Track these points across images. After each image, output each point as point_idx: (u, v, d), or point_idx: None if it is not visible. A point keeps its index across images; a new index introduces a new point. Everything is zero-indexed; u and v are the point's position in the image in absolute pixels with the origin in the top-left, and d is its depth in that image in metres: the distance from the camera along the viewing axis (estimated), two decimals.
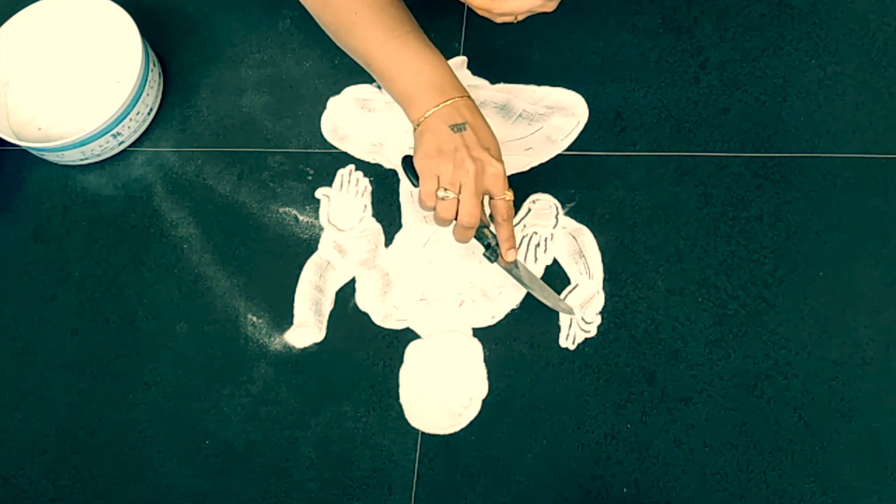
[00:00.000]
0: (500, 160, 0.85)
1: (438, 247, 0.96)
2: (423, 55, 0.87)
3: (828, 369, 0.87)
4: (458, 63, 1.04)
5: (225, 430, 0.94)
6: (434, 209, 0.85)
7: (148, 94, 1.07)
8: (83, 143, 1.04)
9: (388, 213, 0.99)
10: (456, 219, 0.85)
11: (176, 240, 1.03)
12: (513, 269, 0.91)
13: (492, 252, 0.89)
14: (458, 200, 0.84)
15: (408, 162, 0.89)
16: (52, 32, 1.13)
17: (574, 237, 0.94)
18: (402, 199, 1.00)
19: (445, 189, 0.84)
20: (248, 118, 1.08)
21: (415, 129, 0.87)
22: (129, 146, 1.09)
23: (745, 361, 0.88)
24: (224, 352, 0.97)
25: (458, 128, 0.84)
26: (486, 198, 0.86)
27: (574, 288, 0.93)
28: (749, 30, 1.01)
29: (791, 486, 0.84)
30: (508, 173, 0.96)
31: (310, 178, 1.03)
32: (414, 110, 0.86)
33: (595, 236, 0.94)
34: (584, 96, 1.00)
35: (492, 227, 0.89)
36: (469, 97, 0.87)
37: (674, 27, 1.02)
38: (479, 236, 0.89)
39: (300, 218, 1.01)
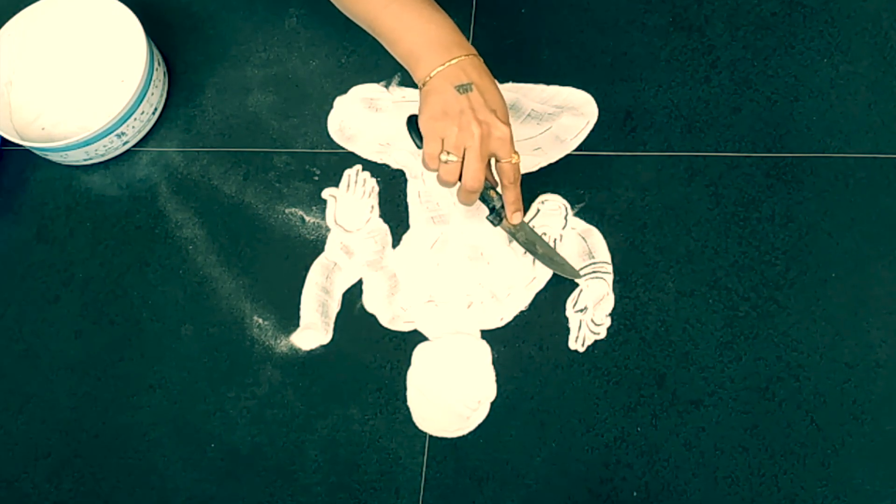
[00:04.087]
0: (507, 122, 0.84)
1: (446, 248, 0.96)
2: (427, 14, 0.86)
3: (840, 372, 0.86)
4: None
5: (230, 434, 0.93)
6: (437, 171, 0.85)
7: (152, 94, 1.06)
8: (87, 143, 1.03)
9: (395, 213, 0.99)
10: (460, 181, 0.85)
11: (181, 241, 1.02)
12: (517, 232, 0.90)
13: (496, 216, 0.89)
14: (463, 164, 0.83)
15: (412, 122, 0.88)
16: (55, 31, 1.13)
17: (584, 238, 0.94)
18: (409, 199, 0.99)
19: (448, 153, 0.83)
20: (253, 118, 1.07)
21: (420, 89, 0.85)
22: (134, 146, 1.09)
23: (756, 364, 0.87)
24: (229, 354, 0.96)
25: (464, 88, 0.82)
26: (493, 160, 0.86)
27: (583, 290, 0.92)
28: (760, 28, 1.00)
29: (803, 490, 0.83)
30: None
31: (316, 178, 1.02)
32: (419, 70, 0.85)
33: (605, 237, 0.94)
34: (593, 95, 1.00)
35: (498, 189, 0.88)
36: (476, 55, 0.85)
37: (684, 26, 1.02)
38: (485, 199, 0.89)
39: (307, 219, 1.00)
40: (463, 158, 0.83)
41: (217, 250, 1.01)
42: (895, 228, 0.90)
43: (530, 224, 0.95)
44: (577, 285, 0.92)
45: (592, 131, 0.99)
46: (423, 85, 0.85)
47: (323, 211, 1.00)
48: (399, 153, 1.01)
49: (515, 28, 1.05)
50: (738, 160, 0.95)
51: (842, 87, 0.96)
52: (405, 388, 0.92)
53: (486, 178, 0.87)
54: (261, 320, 0.97)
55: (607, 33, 1.03)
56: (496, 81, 0.85)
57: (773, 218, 0.92)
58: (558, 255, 0.92)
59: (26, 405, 0.99)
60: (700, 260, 0.92)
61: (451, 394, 0.91)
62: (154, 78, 1.06)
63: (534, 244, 0.92)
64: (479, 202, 0.90)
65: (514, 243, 0.94)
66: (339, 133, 1.04)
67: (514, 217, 0.88)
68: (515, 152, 0.85)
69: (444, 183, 0.85)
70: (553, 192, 0.96)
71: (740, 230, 0.92)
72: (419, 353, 0.93)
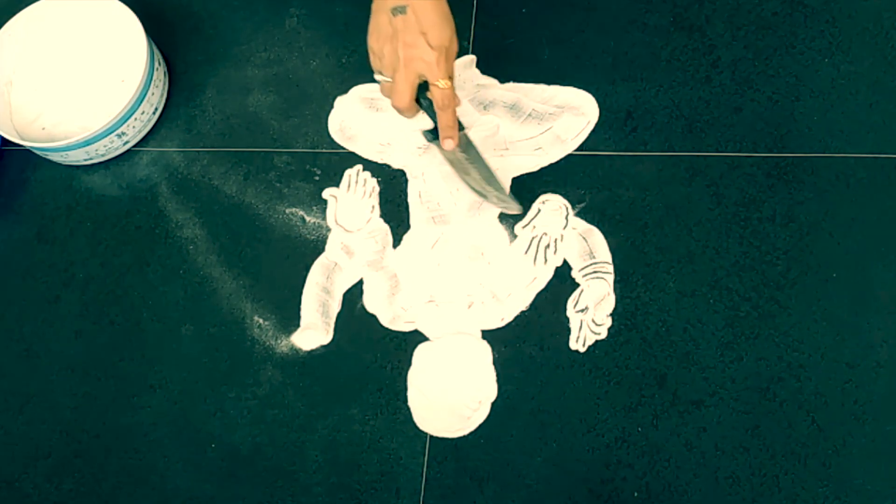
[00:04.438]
0: (437, 47, 0.84)
1: (447, 248, 0.96)
2: None
3: (841, 372, 0.86)
4: (468, 62, 1.03)
5: (231, 434, 0.93)
6: None
7: (153, 94, 1.06)
8: (87, 142, 1.03)
9: (396, 213, 0.99)
10: None
11: (181, 241, 1.02)
12: (451, 157, 0.91)
13: (432, 135, 0.90)
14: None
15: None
16: (56, 31, 1.13)
17: (584, 238, 0.94)
18: (410, 199, 0.99)
19: (381, 72, 0.85)
20: (254, 118, 1.07)
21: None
22: (134, 146, 1.09)
23: (757, 364, 0.87)
24: (230, 354, 0.96)
25: (397, 10, 0.83)
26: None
27: (584, 290, 0.92)
28: (761, 28, 1.00)
29: (804, 490, 0.83)
30: (517, 173, 0.97)
31: (317, 178, 1.02)
32: None
33: (606, 237, 0.93)
34: (594, 95, 1.00)
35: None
36: None
37: (685, 26, 1.01)
38: (429, 117, 0.89)
39: (307, 219, 1.00)
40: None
41: (217, 250, 1.01)
42: None
43: (531, 224, 0.95)
44: (578, 285, 0.92)
45: (593, 131, 0.98)
46: (373, 4, 0.87)
47: (323, 211, 1.00)
48: (400, 153, 1.01)
49: (516, 28, 1.05)
50: (740, 160, 0.95)
51: (843, 87, 0.96)
52: (406, 389, 0.92)
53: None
54: (261, 320, 0.97)
55: (608, 33, 1.03)
56: (445, 7, 0.86)
57: (774, 218, 0.92)
58: (495, 183, 0.92)
59: (27, 405, 0.99)
60: (701, 260, 0.91)
61: (451, 394, 0.91)
62: (154, 78, 1.06)
63: (466, 172, 0.92)
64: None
65: (516, 243, 0.94)
66: (340, 133, 1.04)
67: (445, 144, 0.89)
68: (448, 78, 0.85)
69: (385, 96, 0.88)
70: (554, 192, 0.96)
71: (741, 230, 0.92)
72: (420, 353, 0.93)
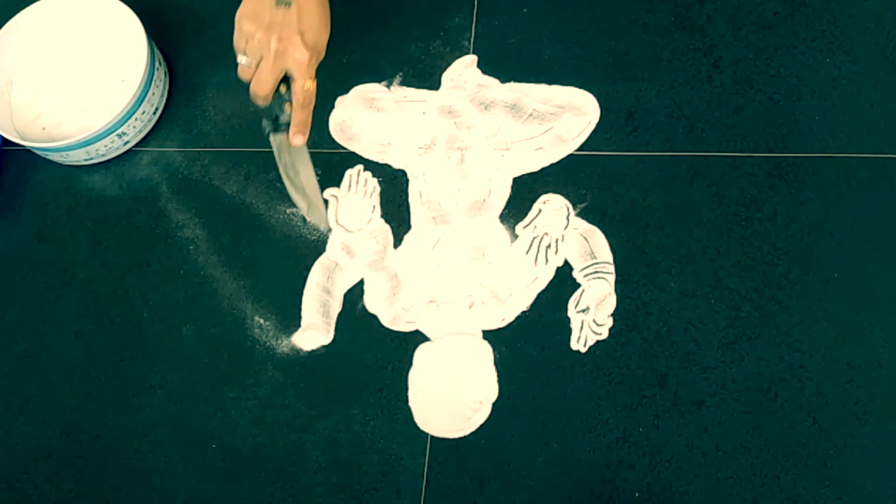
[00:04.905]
0: (311, 49, 0.86)
1: (448, 248, 0.95)
2: None
3: (843, 372, 0.86)
4: (468, 61, 1.03)
5: (232, 434, 0.93)
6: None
7: (153, 94, 1.06)
8: (88, 142, 1.03)
9: (397, 213, 0.99)
10: None
11: (182, 241, 1.02)
12: (283, 153, 0.93)
13: (273, 127, 0.91)
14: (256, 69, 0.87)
15: None
16: (56, 31, 1.13)
17: (585, 238, 0.93)
18: (411, 199, 0.99)
19: (245, 54, 0.86)
20: (255, 118, 1.06)
21: None
22: (135, 146, 1.09)
23: (758, 364, 0.87)
24: (230, 354, 0.96)
25: (282, 2, 0.85)
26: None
27: (585, 290, 0.92)
28: (763, 28, 1.00)
29: (805, 491, 0.83)
30: (518, 174, 0.97)
31: (318, 178, 1.02)
32: None
33: (606, 237, 0.93)
34: (595, 95, 0.99)
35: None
36: None
37: (686, 25, 1.01)
38: (273, 107, 0.91)
39: (308, 219, 1.00)
40: (259, 65, 0.86)
41: (218, 250, 1.01)
42: None
43: (531, 224, 0.95)
44: (579, 285, 0.92)
45: (594, 131, 0.98)
46: None
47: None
48: (401, 153, 1.01)
49: (517, 27, 1.05)
50: (741, 160, 0.94)
51: (844, 87, 0.96)
52: (406, 389, 0.92)
53: (284, 93, 0.90)
54: (262, 321, 0.97)
55: (609, 33, 1.03)
56: (327, 11, 0.88)
57: (776, 218, 0.92)
58: (316, 196, 0.94)
59: (27, 406, 0.99)
60: (702, 260, 0.91)
61: (452, 394, 0.91)
62: (155, 78, 1.06)
63: (296, 173, 0.93)
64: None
65: (517, 244, 0.94)
66: (341, 133, 1.04)
67: (295, 139, 0.90)
68: (312, 79, 0.87)
69: (241, 78, 0.88)
70: (555, 192, 0.96)
71: (742, 230, 0.92)
72: (420, 353, 0.93)
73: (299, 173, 0.94)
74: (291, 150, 0.93)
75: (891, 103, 0.94)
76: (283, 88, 0.90)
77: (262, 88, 0.87)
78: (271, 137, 0.93)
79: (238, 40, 0.87)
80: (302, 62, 0.86)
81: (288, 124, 0.91)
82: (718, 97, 0.97)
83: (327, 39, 0.89)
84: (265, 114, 0.91)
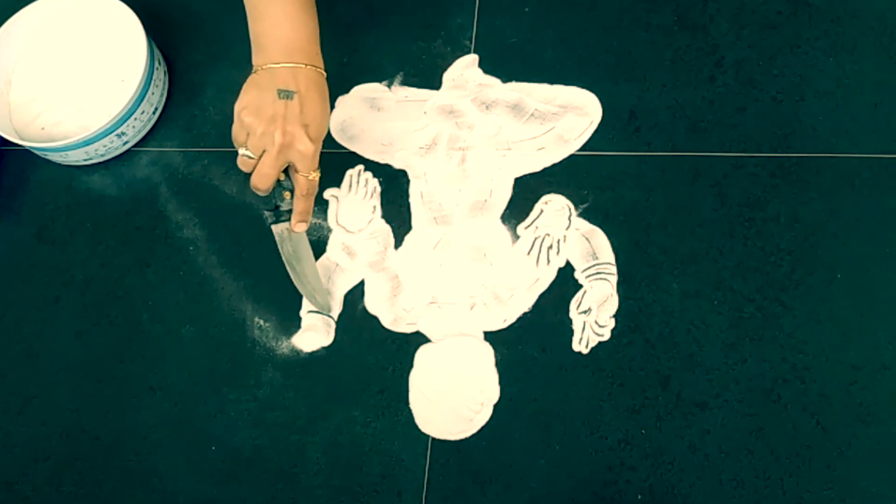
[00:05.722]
0: (315, 140, 0.85)
1: (449, 249, 0.95)
2: (292, 12, 0.86)
3: (846, 373, 0.85)
4: (470, 61, 1.03)
5: (232, 436, 0.93)
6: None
7: (153, 93, 1.06)
8: (87, 142, 1.03)
9: (397, 214, 0.98)
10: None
11: (182, 241, 1.02)
12: (285, 242, 0.92)
13: (275, 216, 0.91)
14: (258, 162, 0.86)
15: None
16: (55, 30, 1.13)
17: (587, 239, 0.93)
18: (412, 200, 0.98)
19: (246, 148, 0.85)
20: None
21: (251, 73, 0.87)
22: (134, 146, 1.09)
23: (761, 365, 0.87)
24: (231, 355, 0.96)
25: (284, 94, 0.84)
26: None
27: (587, 291, 0.91)
28: (765, 28, 0.99)
29: (808, 493, 0.82)
30: (519, 174, 0.96)
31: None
32: (256, 58, 0.88)
33: (609, 238, 0.93)
34: (597, 95, 0.99)
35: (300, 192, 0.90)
36: (318, 69, 0.87)
37: (689, 25, 1.01)
38: (275, 195, 0.90)
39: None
40: (261, 158, 0.86)
41: (218, 251, 1.01)
42: None
43: (533, 224, 0.94)
44: (581, 286, 0.92)
45: (596, 131, 0.98)
46: (254, 72, 0.86)
47: (325, 211, 1.00)
48: (401, 153, 1.00)
49: (519, 27, 1.04)
50: (743, 160, 0.94)
51: (847, 87, 0.96)
52: (408, 390, 0.91)
53: (283, 180, 0.89)
54: (262, 322, 0.97)
55: (611, 33, 1.02)
56: (327, 99, 0.87)
57: (779, 218, 0.91)
58: (318, 282, 0.94)
59: (26, 406, 0.99)
60: (705, 261, 0.91)
61: (453, 396, 0.90)
62: (154, 77, 1.06)
63: (298, 261, 0.93)
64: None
65: (518, 244, 0.93)
66: (341, 133, 1.03)
67: (298, 227, 0.90)
68: (316, 170, 0.87)
69: (241, 169, 0.88)
70: (556, 192, 0.96)
71: (745, 231, 0.91)
72: (422, 354, 0.92)
73: (301, 260, 0.93)
74: (293, 237, 0.92)
75: (894, 103, 0.94)
76: (281, 176, 0.89)
77: (263, 182, 0.86)
78: (273, 227, 0.92)
79: (238, 133, 0.86)
80: (307, 154, 0.85)
81: (289, 212, 0.91)
82: (721, 97, 0.97)
83: (328, 127, 0.87)
84: (264, 202, 0.91)
